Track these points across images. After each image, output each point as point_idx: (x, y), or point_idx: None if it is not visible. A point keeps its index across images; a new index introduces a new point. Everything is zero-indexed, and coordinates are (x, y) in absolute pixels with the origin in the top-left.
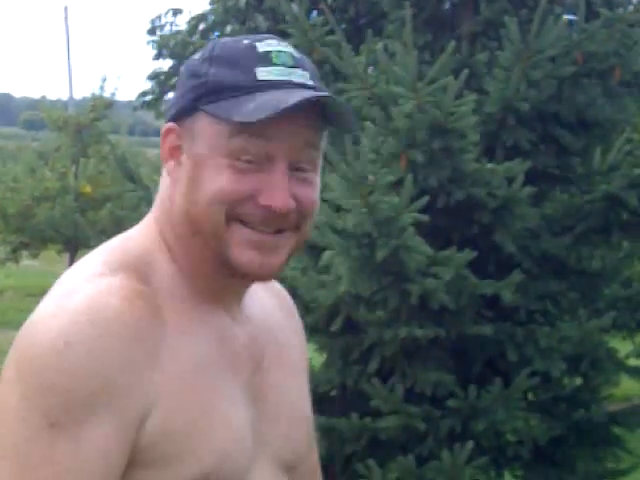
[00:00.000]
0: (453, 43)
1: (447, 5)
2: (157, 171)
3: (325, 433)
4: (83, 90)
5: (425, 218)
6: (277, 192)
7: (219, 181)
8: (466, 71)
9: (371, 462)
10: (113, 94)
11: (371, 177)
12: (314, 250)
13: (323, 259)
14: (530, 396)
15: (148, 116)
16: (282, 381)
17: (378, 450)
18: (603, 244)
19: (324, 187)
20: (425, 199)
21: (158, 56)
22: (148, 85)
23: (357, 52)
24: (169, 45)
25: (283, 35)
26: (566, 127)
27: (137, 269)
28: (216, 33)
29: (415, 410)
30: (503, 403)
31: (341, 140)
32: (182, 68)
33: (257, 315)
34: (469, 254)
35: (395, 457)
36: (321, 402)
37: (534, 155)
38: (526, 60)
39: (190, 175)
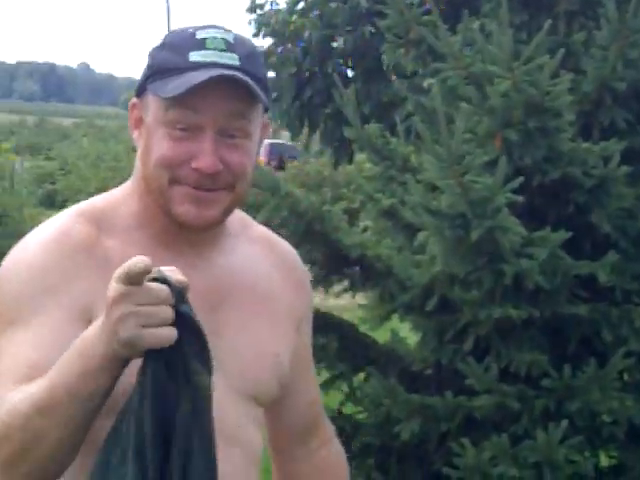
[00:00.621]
0: (550, 22)
1: None
2: None
3: (420, 411)
4: None
5: (519, 199)
6: (205, 156)
7: (161, 148)
8: (562, 50)
9: (465, 441)
10: None
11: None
12: (409, 230)
13: (418, 239)
14: (625, 377)
15: None
16: (243, 320)
17: (472, 429)
18: None
19: (419, 167)
20: (520, 179)
21: (257, 34)
22: None
23: (454, 32)
24: (269, 23)
25: (380, 15)
26: None
27: (93, 216)
28: (315, 12)
29: (509, 389)
30: (598, 383)
31: (435, 119)
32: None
33: (229, 263)
34: (564, 234)
35: (489, 436)
36: (415, 380)
37: (630, 135)
38: (624, 39)
39: (144, 142)
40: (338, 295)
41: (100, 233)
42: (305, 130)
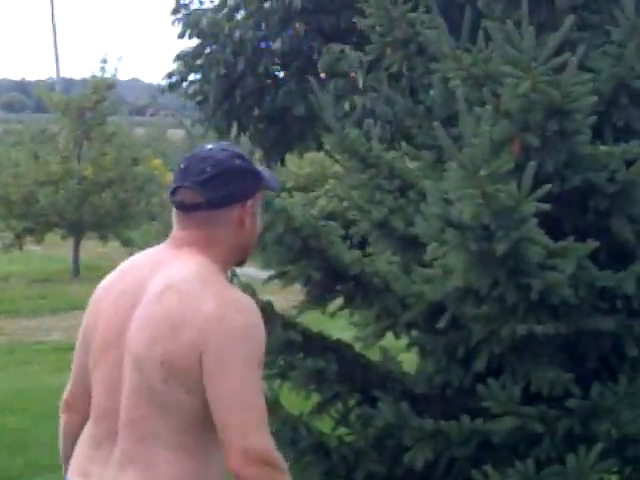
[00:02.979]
0: (572, 17)
1: None
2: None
3: (432, 436)
4: (67, 71)
5: (547, 207)
6: None
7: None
8: (583, 47)
9: (488, 468)
10: (114, 75)
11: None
12: (403, 242)
13: (429, 253)
14: None
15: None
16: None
17: (487, 455)
18: None
19: (439, 178)
20: (548, 187)
21: (182, 35)
22: (174, 66)
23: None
24: (196, 24)
25: (361, 13)
26: None
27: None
28: (243, 11)
29: (531, 411)
30: (629, 401)
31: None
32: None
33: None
34: (591, 244)
35: (509, 462)
36: (417, 403)
37: None
38: None
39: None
40: (333, 314)
41: None
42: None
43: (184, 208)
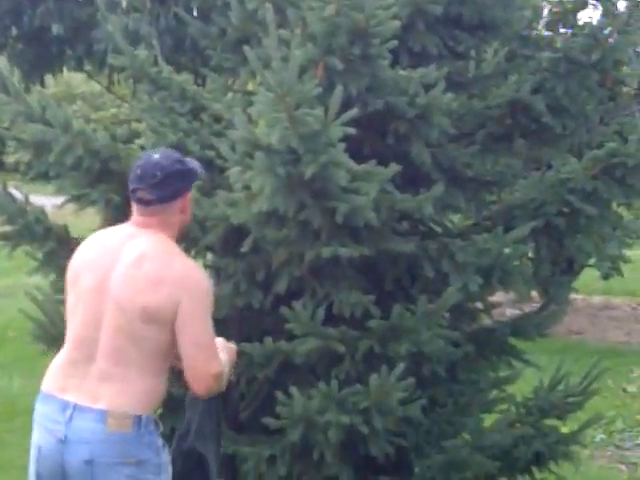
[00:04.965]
0: None
1: None
2: None
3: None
4: None
5: (353, 131)
6: None
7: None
8: None
9: (294, 390)
10: None
11: None
12: (209, 167)
13: (232, 176)
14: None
15: None
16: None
17: (290, 375)
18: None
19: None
20: (354, 111)
21: None
22: None
23: None
24: None
25: None
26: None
27: None
28: None
29: (332, 331)
30: (426, 322)
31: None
32: None
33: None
34: (393, 168)
35: (312, 383)
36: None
37: (440, 61)
38: None
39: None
40: None
41: None
42: None
43: (142, 203)
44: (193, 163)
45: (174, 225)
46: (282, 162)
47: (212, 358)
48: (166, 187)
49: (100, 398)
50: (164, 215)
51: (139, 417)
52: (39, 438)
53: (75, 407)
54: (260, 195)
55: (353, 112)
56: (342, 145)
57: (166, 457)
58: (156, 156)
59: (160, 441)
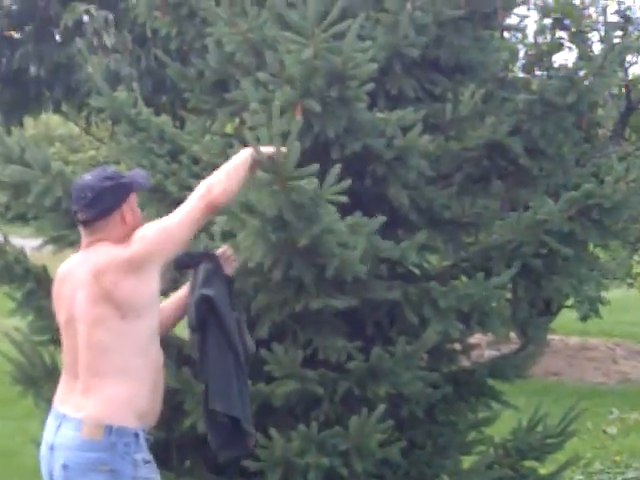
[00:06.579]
0: None
1: None
2: None
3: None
4: None
5: (345, 199)
6: None
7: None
8: (363, 15)
9: (273, 432)
10: None
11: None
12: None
13: (219, 224)
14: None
15: None
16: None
17: (269, 417)
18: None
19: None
20: (347, 182)
21: None
22: None
23: None
24: None
25: None
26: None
27: None
28: None
29: (310, 373)
30: (405, 364)
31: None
32: None
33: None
34: (379, 219)
35: (292, 425)
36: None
37: (417, 104)
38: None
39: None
40: None
41: None
42: None
43: (83, 223)
44: (131, 177)
45: (119, 236)
46: (274, 229)
47: (186, 213)
48: (98, 205)
49: (81, 409)
50: (106, 229)
51: (110, 427)
52: (41, 448)
53: (64, 417)
54: (246, 249)
55: (347, 183)
56: (337, 215)
57: (148, 473)
58: (88, 177)
59: (141, 455)
